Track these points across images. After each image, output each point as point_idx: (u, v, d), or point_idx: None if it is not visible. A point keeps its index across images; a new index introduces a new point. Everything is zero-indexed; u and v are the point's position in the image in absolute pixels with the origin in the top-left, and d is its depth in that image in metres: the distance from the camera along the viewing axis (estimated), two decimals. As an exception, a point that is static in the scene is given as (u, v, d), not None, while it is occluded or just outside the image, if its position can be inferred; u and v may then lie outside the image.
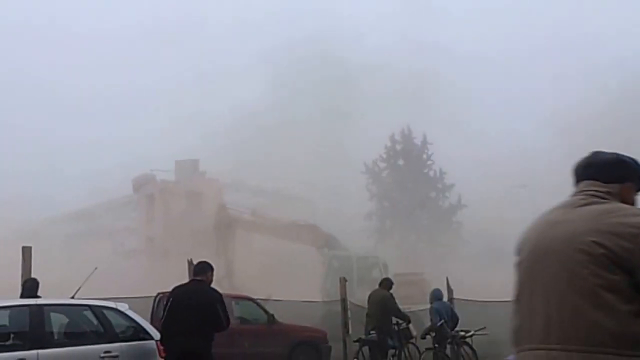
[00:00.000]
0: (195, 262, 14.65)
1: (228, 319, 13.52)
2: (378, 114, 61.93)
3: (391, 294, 22.70)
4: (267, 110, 60.67)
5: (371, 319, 22.34)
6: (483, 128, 65.40)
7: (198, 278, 13.61)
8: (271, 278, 42.13)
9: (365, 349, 22.46)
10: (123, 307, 14.28)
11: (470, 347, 23.21)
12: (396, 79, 62.82)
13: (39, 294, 15.87)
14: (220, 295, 13.55)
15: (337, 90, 63.13)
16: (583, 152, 4.74)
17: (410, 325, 23.15)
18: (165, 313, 13.46)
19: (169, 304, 13.47)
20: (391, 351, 22.63)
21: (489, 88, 68.91)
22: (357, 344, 22.77)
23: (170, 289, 14.10)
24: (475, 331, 23.60)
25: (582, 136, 59.91)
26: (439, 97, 63.56)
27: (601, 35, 70.73)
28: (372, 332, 22.43)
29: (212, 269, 13.73)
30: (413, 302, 27.44)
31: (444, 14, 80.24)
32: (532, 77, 71.48)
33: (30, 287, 16.18)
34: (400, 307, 23.12)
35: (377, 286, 23.43)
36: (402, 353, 22.55)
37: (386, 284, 23.11)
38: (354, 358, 22.51)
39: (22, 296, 15.76)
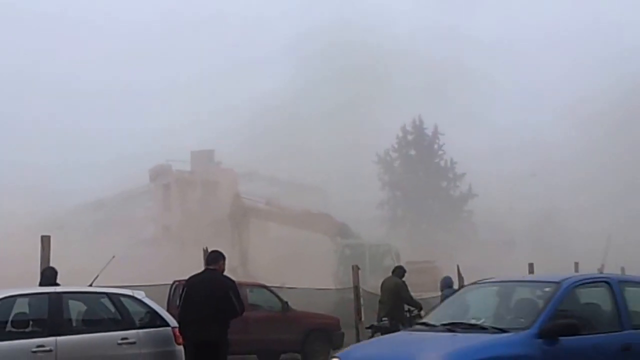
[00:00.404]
0: (209, 251, 14.74)
1: (242, 305, 13.72)
2: (395, 103, 61.68)
3: (404, 282, 22.70)
4: (283, 102, 60.58)
5: (384, 306, 22.33)
6: (499, 118, 65.25)
7: (211, 267, 13.74)
8: (285, 266, 42.19)
9: (378, 335, 22.48)
10: (140, 294, 14.31)
11: (481, 334, 23.19)
12: (417, 67, 62.54)
13: (57, 282, 15.94)
14: (234, 282, 13.71)
15: (354, 80, 62.96)
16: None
17: (422, 312, 23.13)
18: (180, 303, 13.66)
19: (183, 293, 13.68)
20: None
21: (508, 78, 68.46)
22: (369, 330, 22.80)
23: (186, 277, 14.20)
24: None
25: (600, 129, 59.89)
26: (458, 86, 63.33)
27: (620, 26, 70.39)
28: (384, 319, 22.46)
29: (224, 257, 13.85)
30: (424, 290, 27.40)
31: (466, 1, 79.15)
32: (551, 67, 70.71)
33: (49, 276, 16.23)
34: (412, 294, 23.12)
35: (389, 274, 23.44)
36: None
37: (399, 271, 23.10)
38: (366, 344, 22.52)
39: (41, 284, 15.81)
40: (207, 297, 13.22)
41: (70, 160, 62.07)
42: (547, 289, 11.25)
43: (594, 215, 57.11)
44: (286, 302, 24.28)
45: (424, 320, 12.01)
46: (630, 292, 11.72)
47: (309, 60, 63.88)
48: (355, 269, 24.63)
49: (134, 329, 13.54)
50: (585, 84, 64.50)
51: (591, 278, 12.24)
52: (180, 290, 14.15)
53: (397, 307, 22.44)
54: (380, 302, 22.67)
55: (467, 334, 10.58)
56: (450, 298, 12.93)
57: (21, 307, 13.14)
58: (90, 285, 14.41)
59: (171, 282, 22.05)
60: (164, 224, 59.85)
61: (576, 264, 33.14)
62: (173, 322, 13.91)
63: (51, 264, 16.97)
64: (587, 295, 11.61)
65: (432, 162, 65.94)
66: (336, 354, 11.18)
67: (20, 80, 66.10)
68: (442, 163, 66.23)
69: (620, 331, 11.11)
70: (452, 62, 63.55)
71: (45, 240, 17.47)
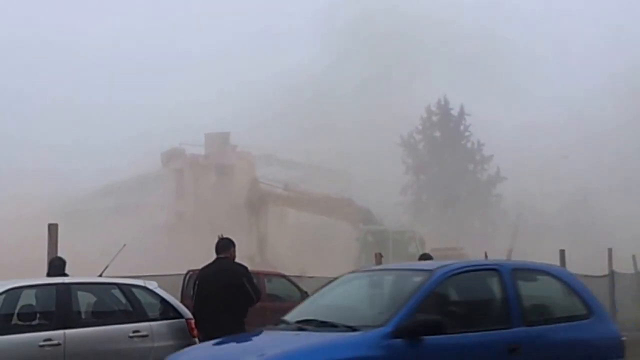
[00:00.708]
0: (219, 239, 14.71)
1: (258, 291, 13.78)
2: (422, 80, 61.29)
3: None
4: (303, 81, 60.46)
5: None
6: (530, 94, 64.79)
7: (222, 255, 13.71)
8: (304, 254, 42.24)
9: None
10: (152, 285, 14.30)
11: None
12: (447, 40, 62.22)
13: (66, 272, 15.96)
14: (246, 269, 13.72)
15: (378, 55, 62.77)
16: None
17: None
18: (194, 295, 13.71)
19: (196, 286, 13.71)
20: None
21: (543, 51, 67.89)
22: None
23: (200, 266, 14.19)
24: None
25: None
26: (488, 60, 62.81)
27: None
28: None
29: (234, 244, 13.83)
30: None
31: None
32: (588, 40, 70.06)
33: (57, 266, 16.24)
34: None
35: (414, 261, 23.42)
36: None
37: (425, 259, 23.12)
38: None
39: (49, 275, 15.82)
40: (220, 287, 13.23)
41: (81, 140, 62.33)
42: (417, 279, 10.05)
43: (630, 197, 56.87)
44: (306, 292, 24.24)
45: (284, 316, 10.90)
46: (524, 282, 10.55)
47: (333, 34, 63.77)
48: (378, 256, 24.63)
49: (147, 321, 13.52)
50: (623, 59, 64.18)
51: (475, 265, 11.05)
52: (193, 283, 14.14)
53: None
54: None
55: (313, 333, 9.60)
56: (322, 290, 11.42)
57: (28, 299, 13.14)
58: (100, 276, 14.42)
59: (185, 272, 22.07)
60: (177, 210, 59.94)
61: (609, 250, 32.99)
62: (187, 313, 13.91)
63: (59, 253, 16.99)
64: (469, 286, 10.47)
65: (458, 144, 65.70)
66: (168, 357, 10.41)
67: (32, 56, 66.54)
68: (469, 145, 66.01)
69: (508, 328, 9.93)
70: (485, 34, 62.99)
71: (53, 229, 17.48)
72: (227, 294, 13.19)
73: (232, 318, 13.15)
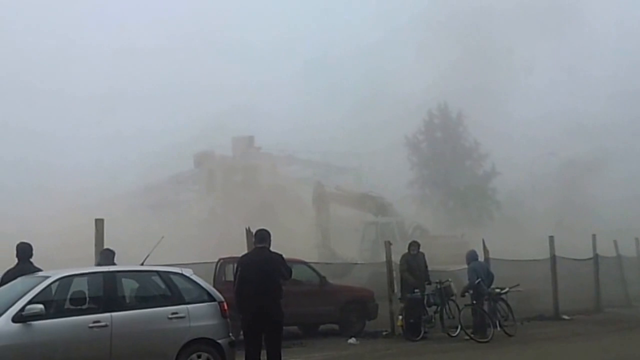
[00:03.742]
0: (252, 231, 14.97)
1: (290, 271, 14.35)
2: (422, 81, 60.91)
3: (413, 255, 23.06)
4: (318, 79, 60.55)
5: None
6: (532, 91, 64.30)
7: (260, 245, 14.03)
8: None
9: (410, 306, 22.52)
10: (188, 272, 14.44)
11: (506, 303, 23.26)
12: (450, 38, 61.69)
13: (115, 262, 16.06)
14: (282, 256, 14.08)
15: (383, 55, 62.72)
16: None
17: (452, 283, 23.19)
18: (237, 279, 13.98)
19: (238, 271, 14.05)
20: (433, 307, 22.68)
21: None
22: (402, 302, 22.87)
23: (229, 255, 14.39)
24: (510, 288, 23.61)
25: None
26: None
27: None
28: (415, 290, 22.54)
29: (270, 235, 14.17)
30: (454, 262, 27.35)
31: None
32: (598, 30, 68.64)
33: (106, 256, 16.37)
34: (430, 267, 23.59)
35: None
36: (444, 309, 22.59)
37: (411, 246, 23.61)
38: (400, 315, 22.56)
39: (100, 264, 15.94)
40: (260, 272, 13.65)
41: (122, 148, 62.43)
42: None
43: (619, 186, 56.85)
44: (324, 277, 24.29)
45: None
46: None
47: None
48: (387, 244, 24.68)
49: (183, 304, 13.67)
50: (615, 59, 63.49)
51: None
52: (235, 269, 14.42)
53: (416, 278, 22.77)
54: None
55: None
56: None
57: (79, 285, 13.26)
58: (142, 264, 14.53)
59: (217, 260, 22.10)
60: (209, 206, 60.02)
61: (593, 235, 32.96)
62: (220, 297, 14.06)
63: (106, 244, 17.07)
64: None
65: (457, 143, 65.58)
66: None
67: (70, 57, 66.56)
68: (467, 144, 65.88)
69: None
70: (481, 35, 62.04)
71: (99, 223, 17.55)
72: (266, 278, 13.60)
73: (271, 299, 13.61)
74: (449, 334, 22.18)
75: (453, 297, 22.94)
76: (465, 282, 23.55)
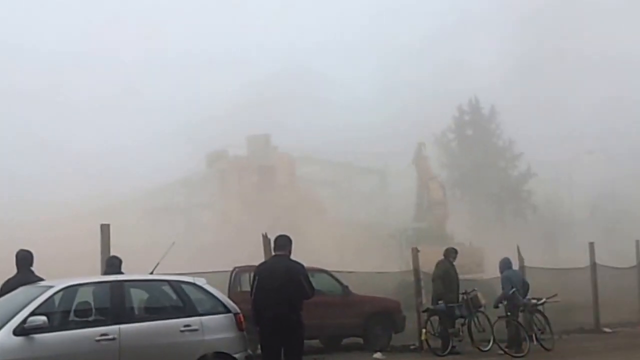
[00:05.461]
0: (270, 237, 14.88)
1: (313, 288, 13.99)
2: (455, 77, 60.93)
3: (451, 263, 22.79)
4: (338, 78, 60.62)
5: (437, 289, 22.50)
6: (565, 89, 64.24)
7: (280, 252, 13.99)
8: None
9: (435, 318, 22.43)
10: (201, 281, 14.36)
11: (543, 315, 23.07)
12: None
13: (122, 270, 16.07)
14: (302, 266, 13.94)
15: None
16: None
17: (479, 293, 23.00)
18: (254, 288, 13.90)
19: (255, 280, 13.96)
20: (460, 320, 22.53)
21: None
22: (424, 314, 22.79)
23: (245, 263, 14.34)
24: (547, 299, 23.43)
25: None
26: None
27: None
28: (440, 302, 22.42)
29: (291, 242, 14.07)
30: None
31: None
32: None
33: (112, 264, 16.35)
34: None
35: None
36: (472, 322, 22.39)
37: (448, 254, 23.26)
38: (423, 328, 22.49)
39: (106, 273, 15.94)
40: (279, 282, 13.52)
41: (129, 145, 62.61)
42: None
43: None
44: (346, 286, 24.21)
45: None
46: None
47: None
48: (415, 251, 24.56)
49: (196, 316, 13.57)
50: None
51: None
52: (253, 278, 14.34)
53: (450, 290, 22.45)
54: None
55: None
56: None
57: (85, 296, 13.24)
58: (152, 273, 14.51)
59: (231, 269, 22.09)
60: (222, 210, 60.04)
61: (637, 241, 32.72)
62: (235, 308, 13.97)
63: (112, 251, 17.10)
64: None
65: (489, 141, 65.42)
66: None
67: (73, 59, 66.97)
68: (500, 143, 65.72)
69: None
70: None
71: (105, 229, 17.58)
72: (286, 289, 13.47)
73: (290, 309, 13.50)
74: (479, 349, 22.00)
75: (481, 309, 22.77)
76: (490, 293, 23.47)
